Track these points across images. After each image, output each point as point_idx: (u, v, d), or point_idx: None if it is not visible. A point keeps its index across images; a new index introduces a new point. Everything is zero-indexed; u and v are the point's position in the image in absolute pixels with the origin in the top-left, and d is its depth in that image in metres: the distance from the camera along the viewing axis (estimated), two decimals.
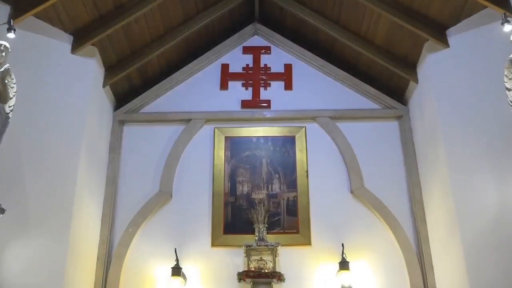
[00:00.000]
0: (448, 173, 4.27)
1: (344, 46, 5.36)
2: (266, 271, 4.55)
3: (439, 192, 4.50)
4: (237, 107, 5.36)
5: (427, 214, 4.79)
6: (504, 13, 3.63)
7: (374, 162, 5.09)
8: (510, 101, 3.55)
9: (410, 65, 5.04)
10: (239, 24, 5.74)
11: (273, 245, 4.60)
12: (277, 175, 5.07)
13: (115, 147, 5.16)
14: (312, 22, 5.28)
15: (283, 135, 5.23)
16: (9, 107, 3.68)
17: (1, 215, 3.53)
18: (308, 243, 4.79)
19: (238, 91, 5.45)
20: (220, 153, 5.14)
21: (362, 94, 5.38)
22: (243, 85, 5.49)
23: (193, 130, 5.26)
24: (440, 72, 4.59)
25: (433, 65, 4.65)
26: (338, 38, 5.23)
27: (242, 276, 4.51)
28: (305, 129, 5.24)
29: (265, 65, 5.59)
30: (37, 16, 4.35)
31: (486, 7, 4.24)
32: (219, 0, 5.30)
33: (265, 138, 5.22)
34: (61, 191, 4.21)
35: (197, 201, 4.97)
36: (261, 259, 4.61)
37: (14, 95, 3.70)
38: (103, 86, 4.99)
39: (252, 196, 5.00)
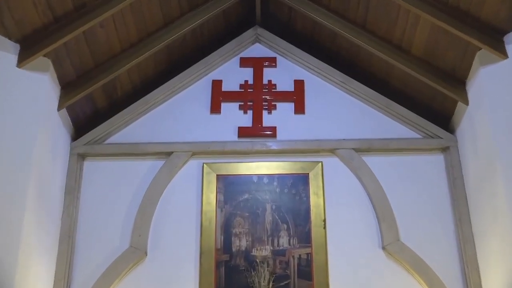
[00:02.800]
0: (510, 224, 4.23)
1: (372, 57, 5.37)
2: None
3: (499, 249, 4.43)
4: (232, 136, 5.36)
5: (484, 278, 4.71)
6: None
7: (412, 208, 5.07)
8: None
9: (458, 81, 5.04)
10: (235, 28, 5.77)
11: None
12: (285, 226, 5.04)
13: (72, 190, 5.12)
14: (330, 26, 5.29)
15: (293, 172, 5.21)
16: None
17: None
18: None
19: (234, 116, 5.45)
20: (211, 196, 5.12)
21: (396, 119, 5.37)
22: (240, 107, 5.49)
23: (175, 166, 5.23)
24: (496, 89, 4.57)
25: (488, 81, 4.63)
26: (364, 46, 5.23)
27: None
28: (322, 165, 5.22)
29: (269, 81, 5.60)
30: None
31: None
32: None
33: (270, 176, 5.20)
34: (1, 250, 4.15)
35: (179, 260, 4.93)
36: None
37: None
38: (58, 109, 4.98)
39: (253, 254, 4.95)
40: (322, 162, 5.23)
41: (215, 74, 5.61)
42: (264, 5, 5.66)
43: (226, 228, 5.04)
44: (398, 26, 5.05)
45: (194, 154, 5.28)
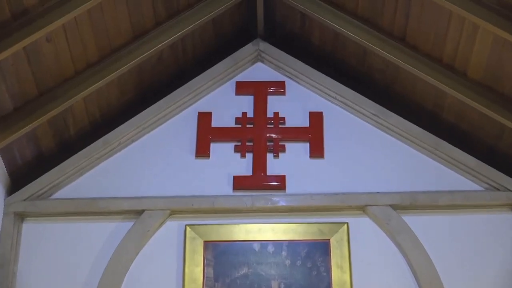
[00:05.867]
0: None
1: (415, 81, 5.37)
2: None
3: None
4: (226, 188, 5.34)
5: None
6: None
7: (471, 285, 5.04)
8: None
9: None
10: (230, 42, 5.82)
11: None
12: None
13: (6, 261, 5.06)
14: (357, 40, 5.29)
15: (308, 238, 5.17)
16: None
17: None
18: None
19: (228, 160, 5.45)
20: (196, 271, 5.07)
21: (448, 165, 5.36)
22: (236, 149, 5.48)
23: (147, 229, 5.18)
24: None
25: None
26: (404, 67, 5.25)
27: None
28: (348, 227, 5.18)
29: (276, 114, 5.60)
30: None
31: None
32: (195, 2, 5.36)
33: (277, 244, 5.17)
34: None
35: None
36: None
37: None
38: None
39: None
40: (347, 223, 5.20)
41: (202, 104, 5.64)
42: (269, 12, 5.68)
43: None
44: (449, 40, 5.03)
45: (173, 212, 5.25)
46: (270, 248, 5.16)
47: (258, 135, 5.52)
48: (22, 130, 5.04)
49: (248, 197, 5.28)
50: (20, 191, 5.29)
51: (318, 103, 5.63)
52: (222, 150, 5.48)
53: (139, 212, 5.23)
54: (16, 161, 5.31)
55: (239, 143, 5.50)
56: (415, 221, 5.19)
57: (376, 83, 5.65)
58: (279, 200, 5.28)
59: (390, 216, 5.19)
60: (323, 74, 5.66)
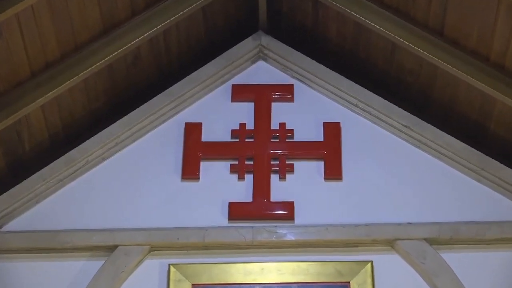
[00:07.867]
0: None
1: (457, 84, 5.34)
2: None
3: None
4: (219, 218, 5.27)
5: None
6: None
7: None
8: None
9: None
10: (224, 36, 5.81)
11: None
12: None
13: None
14: (384, 33, 5.28)
15: (323, 281, 5.08)
16: None
17: None
18: None
19: (223, 183, 5.40)
20: None
21: (497, 189, 5.28)
22: (233, 169, 5.43)
23: (122, 269, 5.09)
24: None
25: None
26: (443, 67, 5.20)
27: None
28: (372, 267, 5.08)
29: (282, 125, 5.56)
30: None
31: None
32: None
33: (284, 287, 5.08)
34: None
35: None
36: None
37: None
38: None
39: None
40: (372, 262, 5.12)
41: (190, 114, 5.65)
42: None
43: None
44: (498, 33, 4.98)
45: (153, 249, 5.18)
46: None
47: (260, 151, 5.50)
48: None
49: (247, 229, 5.21)
50: None
51: (334, 111, 5.63)
52: (214, 171, 5.47)
53: (111, 248, 5.17)
54: None
55: (236, 162, 5.47)
56: (456, 259, 5.11)
57: (408, 87, 5.66)
58: (286, 232, 5.21)
59: (426, 253, 5.11)
60: (341, 76, 5.66)
